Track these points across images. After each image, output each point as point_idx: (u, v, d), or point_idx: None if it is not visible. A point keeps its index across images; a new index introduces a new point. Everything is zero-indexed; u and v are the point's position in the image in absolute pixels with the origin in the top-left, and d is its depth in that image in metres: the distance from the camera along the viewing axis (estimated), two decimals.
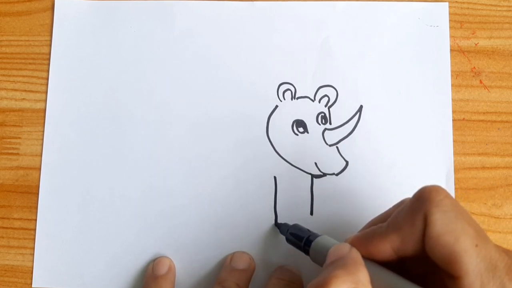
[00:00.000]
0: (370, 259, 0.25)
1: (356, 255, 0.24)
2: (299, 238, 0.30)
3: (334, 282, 0.22)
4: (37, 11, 0.38)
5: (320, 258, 0.27)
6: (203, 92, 0.36)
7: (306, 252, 0.29)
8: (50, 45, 0.37)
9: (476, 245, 0.22)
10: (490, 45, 0.36)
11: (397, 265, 0.25)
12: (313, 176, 0.34)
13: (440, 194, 0.23)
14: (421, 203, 0.23)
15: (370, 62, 0.36)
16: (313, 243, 0.28)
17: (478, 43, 0.36)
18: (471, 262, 0.22)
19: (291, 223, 0.33)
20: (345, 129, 0.35)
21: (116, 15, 0.37)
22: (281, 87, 0.36)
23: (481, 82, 0.35)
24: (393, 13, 0.36)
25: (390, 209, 0.28)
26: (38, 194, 0.35)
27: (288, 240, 0.31)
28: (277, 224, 0.34)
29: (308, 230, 0.30)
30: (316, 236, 0.29)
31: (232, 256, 0.33)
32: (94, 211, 0.35)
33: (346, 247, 0.25)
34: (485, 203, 0.34)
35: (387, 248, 0.24)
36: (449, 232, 0.22)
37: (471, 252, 0.22)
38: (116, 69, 0.36)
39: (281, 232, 0.33)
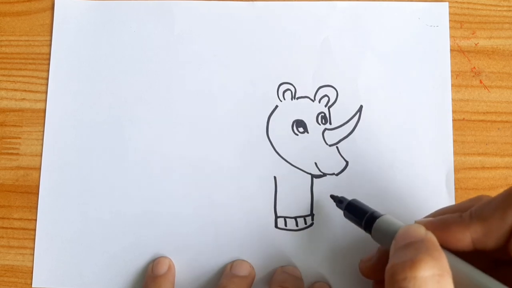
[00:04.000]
0: (444, 247, 0.24)
1: (434, 239, 0.24)
2: (360, 214, 0.29)
3: (422, 266, 0.21)
4: (37, 11, 0.38)
5: (384, 238, 0.27)
6: (203, 92, 0.36)
7: (367, 229, 0.28)
8: (50, 45, 0.37)
9: None
10: (490, 45, 0.36)
11: (465, 257, 0.24)
12: (313, 176, 0.34)
13: None
14: None
15: (370, 62, 0.36)
16: (377, 221, 0.27)
17: (478, 43, 0.36)
18: None
19: (291, 222, 0.33)
20: (345, 129, 0.35)
21: (116, 15, 0.37)
22: (281, 87, 0.36)
23: (481, 82, 0.35)
24: (393, 13, 0.36)
25: (463, 202, 0.28)
26: (38, 194, 0.35)
27: (346, 215, 0.30)
28: (332, 197, 0.32)
29: (369, 207, 0.29)
30: (380, 214, 0.28)
31: (232, 263, 0.33)
32: (94, 211, 0.35)
33: (421, 229, 0.24)
34: None
35: (466, 237, 0.24)
36: None
37: None
38: (116, 69, 0.36)
39: (338, 206, 0.31)
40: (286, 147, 0.35)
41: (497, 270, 0.25)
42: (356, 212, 0.30)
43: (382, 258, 0.29)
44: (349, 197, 0.31)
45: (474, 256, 0.25)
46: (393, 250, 0.24)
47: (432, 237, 0.24)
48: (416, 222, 0.26)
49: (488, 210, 0.24)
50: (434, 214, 0.28)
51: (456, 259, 0.24)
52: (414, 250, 0.23)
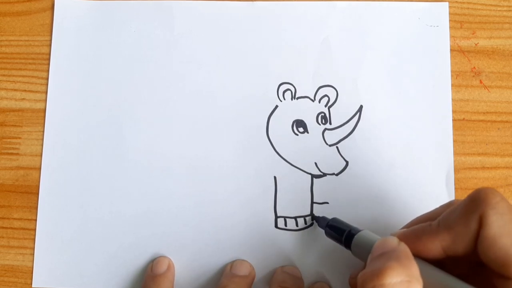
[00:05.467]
0: (417, 256, 0.25)
1: (406, 249, 0.24)
2: (340, 231, 0.30)
3: (389, 273, 0.22)
4: (37, 11, 0.38)
5: (363, 253, 0.27)
6: (203, 92, 0.36)
7: (347, 246, 0.29)
8: (50, 45, 0.37)
9: None
10: (490, 45, 0.36)
11: (439, 265, 0.25)
12: (313, 176, 0.34)
13: (496, 196, 0.23)
14: (477, 204, 0.23)
15: (370, 62, 0.36)
16: (355, 237, 0.28)
17: (478, 43, 0.36)
18: None
19: (291, 222, 0.33)
20: (345, 129, 0.35)
21: (116, 15, 0.37)
22: (281, 87, 0.36)
23: (481, 82, 0.35)
24: (393, 13, 0.36)
25: (436, 209, 0.28)
26: (38, 194, 0.35)
27: (327, 233, 0.31)
28: (314, 217, 0.34)
29: (348, 224, 0.30)
30: (358, 230, 0.29)
31: (232, 263, 0.33)
32: (94, 211, 0.35)
33: (394, 240, 0.25)
34: None
35: (436, 246, 0.24)
36: (505, 234, 0.22)
37: None
38: (116, 69, 0.36)
39: (319, 225, 0.33)
40: (286, 147, 0.35)
41: (476, 272, 0.25)
42: (337, 230, 0.30)
43: None
44: (349, 197, 0.32)
45: (451, 262, 0.25)
46: (368, 261, 0.25)
47: (403, 247, 0.24)
48: (391, 234, 0.27)
49: (453, 217, 0.24)
50: (409, 224, 0.29)
51: (429, 267, 0.25)
52: (384, 260, 0.23)
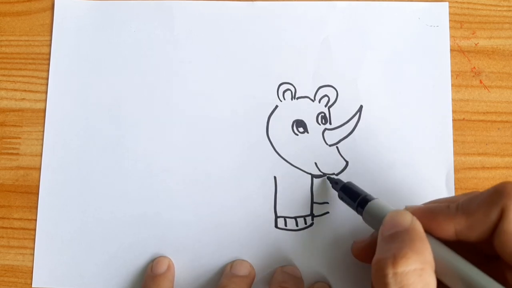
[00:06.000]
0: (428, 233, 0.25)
1: (419, 228, 0.24)
2: (354, 196, 0.30)
3: (403, 262, 0.22)
4: (37, 11, 0.38)
5: (374, 221, 0.28)
6: (203, 92, 0.36)
7: (359, 212, 0.30)
8: (50, 45, 0.37)
9: None
10: (490, 45, 0.36)
11: (454, 247, 0.25)
12: (313, 176, 0.34)
13: None
14: (500, 196, 0.24)
15: (370, 62, 0.36)
16: (369, 204, 0.29)
17: (478, 43, 0.36)
18: None
19: (291, 222, 0.33)
20: (345, 129, 0.35)
21: (116, 15, 0.37)
22: (281, 87, 0.36)
23: (481, 82, 0.35)
24: (393, 13, 0.36)
25: (459, 196, 0.28)
26: (38, 194, 0.35)
27: (340, 196, 0.32)
28: (329, 179, 0.34)
29: (363, 190, 0.31)
30: (372, 198, 0.29)
31: (232, 263, 0.33)
32: (94, 211, 0.35)
33: (407, 217, 0.25)
34: None
35: (450, 228, 0.25)
36: None
37: None
38: (116, 69, 0.36)
39: (333, 187, 0.33)
40: (286, 147, 0.35)
41: (487, 264, 0.25)
42: (350, 194, 0.31)
43: (374, 241, 0.29)
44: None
45: (458, 246, 0.25)
46: (380, 237, 0.25)
47: (416, 226, 0.25)
48: (406, 207, 0.27)
49: (474, 204, 0.25)
50: (427, 203, 0.29)
51: (441, 246, 0.25)
52: (399, 243, 0.23)
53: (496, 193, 0.24)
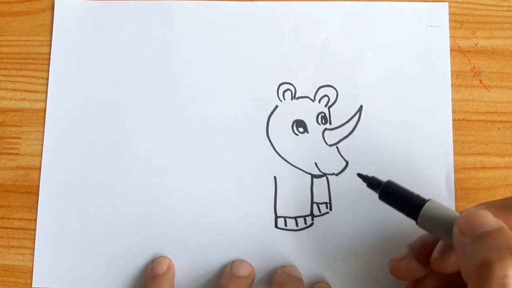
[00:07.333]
0: None
1: (507, 228, 0.22)
2: (401, 199, 0.27)
3: (508, 266, 0.20)
4: (37, 11, 0.38)
5: (434, 225, 0.25)
6: (203, 92, 0.36)
7: (411, 215, 0.26)
8: (50, 45, 0.37)
9: None
10: (490, 45, 0.36)
11: None
12: (313, 176, 0.34)
13: None
14: None
15: (370, 62, 0.36)
16: (425, 208, 0.26)
17: (478, 43, 0.36)
18: None
19: (291, 222, 0.32)
20: (345, 129, 0.35)
21: (116, 15, 0.37)
22: (281, 87, 0.36)
23: (481, 82, 0.35)
24: (393, 13, 0.36)
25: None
26: (38, 194, 0.35)
27: (382, 198, 0.28)
28: (360, 175, 0.29)
29: (405, 188, 0.27)
30: (423, 199, 0.26)
31: (232, 263, 0.33)
32: (94, 211, 0.35)
33: (489, 216, 0.23)
34: None
35: None
36: None
37: None
38: (116, 69, 0.36)
39: (368, 186, 0.29)
40: (286, 147, 0.35)
41: None
42: (396, 196, 0.27)
43: (420, 255, 0.28)
44: (349, 197, 0.31)
45: None
46: (463, 239, 0.23)
47: (504, 226, 0.23)
48: (476, 206, 0.25)
49: None
50: (480, 205, 0.27)
51: None
52: (497, 243, 0.22)
53: None
